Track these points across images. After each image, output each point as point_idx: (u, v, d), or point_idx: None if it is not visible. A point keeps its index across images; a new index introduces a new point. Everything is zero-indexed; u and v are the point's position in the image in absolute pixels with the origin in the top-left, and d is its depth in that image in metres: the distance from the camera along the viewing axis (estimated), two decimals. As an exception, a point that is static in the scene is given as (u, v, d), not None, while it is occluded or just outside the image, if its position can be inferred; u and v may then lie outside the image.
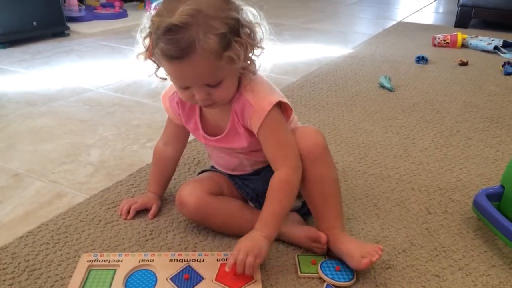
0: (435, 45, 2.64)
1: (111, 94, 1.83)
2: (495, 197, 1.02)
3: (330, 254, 0.93)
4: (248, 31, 0.81)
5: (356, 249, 0.88)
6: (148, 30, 0.80)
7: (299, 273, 0.89)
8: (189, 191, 0.95)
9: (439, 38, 2.64)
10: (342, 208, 0.97)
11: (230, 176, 1.03)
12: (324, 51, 2.57)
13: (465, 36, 2.64)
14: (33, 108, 1.68)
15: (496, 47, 2.49)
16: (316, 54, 2.50)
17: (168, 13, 0.75)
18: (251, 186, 1.01)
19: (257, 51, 0.85)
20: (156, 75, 0.87)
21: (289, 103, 0.91)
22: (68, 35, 2.75)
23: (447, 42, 2.61)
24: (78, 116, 1.63)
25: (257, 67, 0.87)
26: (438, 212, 1.10)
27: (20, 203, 1.11)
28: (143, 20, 0.82)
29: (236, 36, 0.78)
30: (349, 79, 2.05)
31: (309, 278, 0.88)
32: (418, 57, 2.32)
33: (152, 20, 0.79)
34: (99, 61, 2.30)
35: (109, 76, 2.06)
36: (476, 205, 1.02)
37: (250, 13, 0.83)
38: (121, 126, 1.54)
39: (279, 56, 2.45)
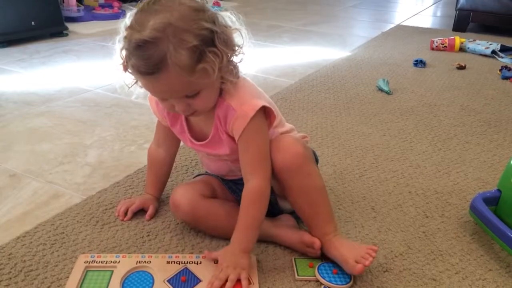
0: (433, 49, 2.65)
1: (109, 95, 1.83)
2: (492, 201, 1.03)
3: (325, 258, 0.93)
4: (225, 39, 0.79)
5: (349, 253, 0.87)
6: (123, 41, 0.79)
7: (296, 276, 0.89)
8: (182, 193, 0.95)
9: (437, 42, 2.65)
10: (332, 212, 0.95)
11: (223, 180, 1.03)
12: (323, 53, 2.57)
13: (463, 40, 2.65)
14: (31, 108, 1.68)
15: (493, 51, 2.50)
16: (315, 56, 2.50)
17: (139, 26, 0.74)
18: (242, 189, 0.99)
19: (237, 57, 0.84)
20: (137, 84, 0.86)
21: (274, 109, 0.90)
22: (66, 35, 2.75)
23: (445, 46, 2.62)
24: (76, 116, 1.62)
25: (239, 72, 0.86)
26: (435, 216, 1.10)
27: (17, 204, 1.10)
28: (120, 29, 0.80)
29: (210, 46, 0.76)
30: (347, 82, 2.05)
31: (306, 281, 0.88)
32: (416, 61, 2.33)
33: (125, 33, 0.77)
34: (97, 62, 2.29)
35: (107, 76, 2.06)
36: (473, 209, 1.02)
37: (228, 19, 0.82)
38: (119, 127, 1.54)
39: (277, 58, 2.46)
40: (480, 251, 0.99)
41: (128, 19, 0.79)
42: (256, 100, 0.86)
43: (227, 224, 0.95)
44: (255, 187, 0.87)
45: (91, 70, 2.16)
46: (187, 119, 0.95)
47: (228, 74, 0.83)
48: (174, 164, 1.12)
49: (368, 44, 2.80)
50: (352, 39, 2.97)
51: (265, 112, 0.88)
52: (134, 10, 0.79)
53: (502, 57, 2.46)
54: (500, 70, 2.22)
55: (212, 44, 0.77)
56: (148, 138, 1.45)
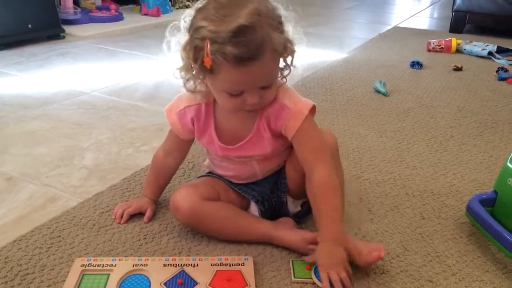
0: (429, 50, 2.66)
1: (106, 97, 1.83)
2: (489, 202, 1.03)
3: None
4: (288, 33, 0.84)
5: (363, 246, 0.90)
6: (191, 41, 0.80)
7: (292, 277, 0.89)
8: (183, 196, 0.95)
9: (433, 43, 2.65)
10: (343, 211, 0.96)
11: (232, 182, 1.02)
12: (320, 55, 2.57)
13: (460, 41, 2.66)
14: (28, 111, 1.67)
15: (490, 53, 2.51)
16: (312, 58, 2.50)
17: (228, 17, 0.75)
18: (257, 189, 1.01)
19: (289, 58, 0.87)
20: (185, 86, 0.88)
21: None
22: (63, 37, 2.75)
23: (442, 47, 2.63)
24: (73, 119, 1.62)
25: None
26: (432, 217, 1.10)
27: (13, 207, 1.10)
28: (176, 36, 0.83)
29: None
30: (344, 84, 2.06)
31: (303, 283, 0.88)
32: (413, 62, 2.33)
33: (203, 29, 0.77)
34: (94, 64, 2.29)
35: (104, 79, 2.06)
36: (470, 210, 1.03)
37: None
38: (116, 130, 1.53)
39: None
40: (477, 252, 0.99)
41: (187, 19, 0.81)
42: (305, 100, 0.90)
43: (230, 227, 0.96)
44: (323, 179, 0.87)
45: (88, 73, 2.16)
46: (216, 128, 0.94)
47: (285, 71, 0.88)
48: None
49: (365, 45, 2.81)
50: (349, 40, 2.98)
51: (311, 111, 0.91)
52: (193, 12, 0.81)
53: (498, 59, 2.47)
54: (497, 71, 2.22)
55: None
56: (145, 140, 1.45)
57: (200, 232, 0.99)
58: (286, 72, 0.89)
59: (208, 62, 0.77)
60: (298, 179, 0.95)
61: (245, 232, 0.95)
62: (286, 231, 0.96)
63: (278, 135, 0.92)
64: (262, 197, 1.01)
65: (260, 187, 1.01)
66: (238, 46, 0.74)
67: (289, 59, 0.87)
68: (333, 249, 0.84)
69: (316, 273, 0.88)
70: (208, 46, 0.76)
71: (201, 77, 0.85)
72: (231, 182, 1.03)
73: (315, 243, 0.91)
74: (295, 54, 0.87)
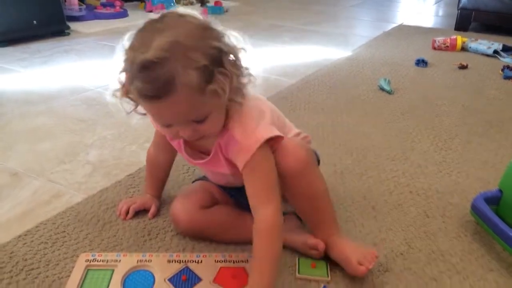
0: (435, 48, 2.64)
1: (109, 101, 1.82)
2: (493, 201, 1.02)
3: (327, 258, 0.92)
4: (233, 59, 0.75)
5: (352, 254, 0.88)
6: (123, 64, 0.73)
7: (297, 274, 0.89)
8: (180, 210, 0.95)
9: (439, 41, 2.64)
10: (335, 213, 0.95)
11: (222, 186, 1.02)
12: (324, 53, 2.57)
13: (465, 39, 2.64)
14: (32, 107, 1.68)
15: (495, 51, 2.50)
16: (316, 56, 2.50)
17: (143, 47, 0.68)
18: (244, 196, 0.92)
19: (244, 79, 0.78)
20: (135, 111, 0.80)
21: (279, 133, 0.83)
22: (68, 34, 2.75)
23: (447, 46, 2.62)
24: (77, 115, 1.62)
25: (246, 94, 0.80)
26: (436, 216, 1.10)
27: (18, 202, 1.11)
28: (119, 52, 0.74)
29: (219, 66, 0.72)
30: (349, 82, 2.05)
31: (306, 280, 0.88)
32: (418, 60, 2.32)
33: (126, 55, 0.71)
34: (99, 61, 2.30)
35: (108, 76, 2.05)
36: (474, 208, 1.02)
37: (233, 37, 0.76)
38: (120, 126, 1.54)
39: (278, 58, 2.46)
40: (481, 251, 0.98)
41: (127, 41, 0.73)
42: (260, 130, 0.81)
43: (232, 231, 0.96)
44: (265, 219, 0.80)
45: (93, 69, 2.16)
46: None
47: (236, 96, 0.77)
48: (174, 163, 1.11)
49: (370, 43, 2.80)
50: (353, 38, 2.97)
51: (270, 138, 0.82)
52: (134, 31, 0.73)
53: (504, 57, 2.45)
54: (502, 70, 2.21)
55: (221, 64, 0.72)
56: (149, 137, 1.43)
57: (204, 239, 0.98)
58: (238, 97, 0.78)
59: (125, 92, 0.75)
60: (283, 184, 0.87)
61: (246, 233, 0.91)
62: (287, 232, 0.94)
63: (233, 163, 0.85)
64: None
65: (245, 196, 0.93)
66: (143, 82, 0.68)
67: (225, 85, 0.74)
68: None
69: None
70: (125, 75, 0.73)
71: (133, 103, 0.79)
72: (222, 187, 1.01)
73: (316, 248, 0.91)
74: (250, 78, 0.79)
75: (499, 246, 0.99)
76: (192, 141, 0.83)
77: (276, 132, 0.83)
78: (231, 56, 0.74)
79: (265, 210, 0.81)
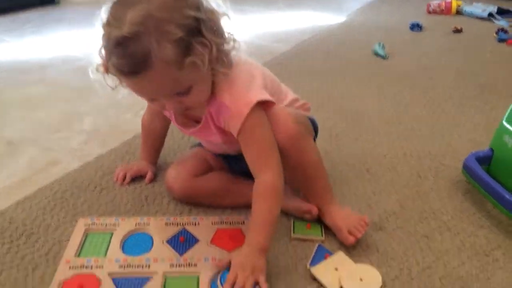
0: (429, 12, 2.62)
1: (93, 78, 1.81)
2: (485, 160, 1.04)
3: (321, 222, 0.94)
4: (213, 27, 0.72)
5: (343, 223, 0.89)
6: (102, 39, 0.71)
7: (292, 234, 0.91)
8: (174, 177, 0.96)
9: (433, 5, 2.62)
10: (329, 182, 0.95)
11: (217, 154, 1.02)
12: (318, 18, 2.54)
13: (460, 2, 2.62)
14: (25, 76, 1.67)
15: (490, 14, 2.48)
16: (310, 22, 2.47)
17: (117, 22, 0.67)
18: (239, 164, 0.95)
19: (229, 44, 0.76)
20: (121, 85, 0.77)
21: (270, 98, 0.82)
22: (58, 3, 2.70)
23: (442, 9, 2.60)
24: (71, 84, 1.61)
25: (231, 61, 0.78)
26: (428, 177, 1.12)
27: (15, 170, 1.11)
28: (97, 26, 0.71)
29: (197, 37, 0.69)
30: (343, 47, 2.04)
31: (300, 239, 0.90)
32: (413, 24, 2.30)
33: (103, 30, 0.69)
34: (90, 30, 2.25)
35: (100, 45, 2.03)
36: (466, 168, 1.04)
37: (214, 3, 0.74)
38: (114, 94, 1.52)
39: (272, 24, 2.43)
40: (472, 209, 1.00)
41: (104, 14, 0.70)
42: (249, 94, 0.79)
43: (226, 196, 0.97)
44: (266, 182, 0.80)
45: (84, 38, 2.13)
46: None
47: (219, 66, 0.75)
48: (170, 130, 1.11)
49: (364, 8, 2.77)
50: (348, 4, 2.93)
51: (263, 103, 0.81)
52: (109, 3, 0.70)
53: (498, 20, 2.44)
54: (497, 32, 2.20)
55: (199, 34, 0.69)
56: (144, 105, 1.42)
57: (200, 204, 0.99)
58: (220, 67, 0.76)
59: (106, 68, 0.73)
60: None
61: (241, 198, 0.94)
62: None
63: (225, 130, 0.85)
64: (245, 173, 0.92)
65: (239, 164, 0.93)
66: (118, 59, 0.67)
67: (223, 49, 0.74)
68: (254, 255, 0.77)
69: (224, 275, 0.79)
70: (103, 51, 0.71)
71: (116, 78, 0.76)
72: (216, 154, 1.02)
73: (310, 213, 0.93)
74: (235, 43, 0.77)
75: (490, 204, 1.01)
76: (180, 113, 0.83)
77: (267, 97, 0.82)
78: (211, 25, 0.71)
79: (264, 176, 0.80)
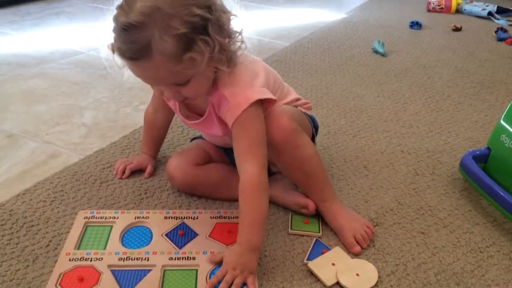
0: (429, 10, 2.63)
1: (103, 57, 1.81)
2: (482, 158, 1.05)
3: (320, 217, 0.95)
4: (221, 27, 0.74)
5: (348, 224, 0.89)
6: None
7: (289, 230, 0.92)
8: (175, 166, 0.97)
9: (433, 3, 2.62)
10: (327, 178, 0.96)
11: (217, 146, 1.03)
12: (318, 15, 2.54)
13: (460, 1, 2.62)
14: (25, 70, 1.67)
15: (490, 13, 2.48)
16: (310, 18, 2.47)
17: (127, 7, 0.69)
18: None
19: (233, 46, 0.78)
20: (127, 67, 0.79)
21: (271, 96, 0.83)
22: (57, -4, 2.69)
23: (442, 7, 2.60)
24: (71, 78, 1.62)
25: (236, 60, 0.80)
26: (425, 174, 1.13)
27: (16, 163, 1.12)
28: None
29: (201, 34, 0.71)
30: (342, 44, 2.04)
31: (298, 235, 0.91)
32: (412, 22, 2.31)
33: (116, 12, 0.72)
34: (90, 23, 2.26)
35: (100, 38, 2.03)
36: (463, 166, 1.05)
37: (227, 3, 0.76)
38: (114, 89, 1.54)
39: (272, 20, 2.43)
40: (468, 206, 1.02)
41: None
42: (250, 91, 0.81)
43: (225, 188, 0.97)
44: (251, 178, 0.80)
45: (84, 32, 2.13)
46: None
47: (220, 64, 0.77)
48: (171, 125, 1.12)
49: (364, 6, 2.77)
50: (348, 0, 2.93)
51: (263, 101, 0.83)
52: None
53: (498, 19, 2.44)
54: (496, 32, 2.21)
55: (204, 32, 0.71)
56: (143, 99, 1.46)
57: (199, 195, 1.01)
58: (223, 65, 0.78)
59: (113, 49, 0.75)
60: (269, 152, 0.86)
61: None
62: (279, 192, 0.97)
63: (225, 122, 0.85)
64: None
65: None
66: (122, 43, 0.71)
67: (229, 47, 0.76)
68: (246, 255, 0.78)
69: (215, 270, 0.80)
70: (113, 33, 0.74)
71: None
72: (217, 146, 1.03)
73: (306, 208, 0.93)
74: (242, 43, 0.79)
75: (486, 201, 1.02)
76: (179, 101, 0.84)
77: (267, 95, 0.83)
78: (218, 24, 0.73)
79: (250, 168, 0.80)
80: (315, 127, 1.03)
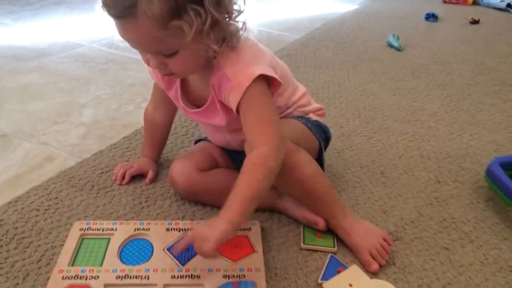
0: (445, 2, 2.55)
1: (105, 50, 1.74)
2: (510, 166, 0.98)
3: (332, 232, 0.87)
4: (218, 0, 0.68)
5: (362, 241, 0.82)
6: None
7: (302, 244, 0.85)
8: (179, 171, 0.91)
9: (449, -6, 2.52)
10: (334, 193, 0.87)
11: (223, 148, 0.97)
12: (329, 6, 2.47)
13: (477, -8, 2.53)
14: (22, 63, 1.60)
15: (508, 4, 2.40)
16: (321, 9, 2.40)
17: None
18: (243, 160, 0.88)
19: (232, 25, 0.73)
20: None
21: (275, 75, 0.77)
22: (59, -15, 2.62)
23: (458, -1, 2.51)
24: (70, 73, 1.55)
25: (232, 40, 0.74)
26: (448, 181, 1.05)
27: (8, 166, 1.05)
28: None
29: (194, 3, 0.66)
30: (355, 37, 1.96)
31: (311, 250, 0.84)
32: (428, 14, 2.22)
33: None
34: (92, 14, 2.18)
35: (102, 30, 1.96)
36: (490, 174, 0.97)
37: None
38: (115, 85, 1.46)
39: (281, 11, 2.35)
40: (495, 218, 0.94)
41: None
42: (254, 67, 0.75)
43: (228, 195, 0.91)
44: (259, 153, 0.73)
45: (85, 23, 2.06)
46: (182, 84, 0.86)
47: (212, 41, 0.71)
48: (173, 125, 1.06)
49: (377, -4, 2.68)
50: (359, -9, 2.83)
51: (268, 79, 0.77)
52: None
53: (517, 11, 2.35)
54: (516, 24, 2.12)
55: (198, 2, 0.66)
56: (146, 96, 1.38)
57: (202, 203, 0.94)
58: (211, 42, 0.71)
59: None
60: None
61: None
62: (289, 204, 0.90)
63: (229, 108, 0.80)
64: None
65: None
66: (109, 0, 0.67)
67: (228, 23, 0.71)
68: (214, 223, 0.71)
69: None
70: None
71: None
72: (223, 149, 0.97)
73: (316, 225, 0.86)
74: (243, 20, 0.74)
75: (514, 214, 0.94)
76: (164, 75, 0.80)
77: (271, 73, 0.76)
78: None
79: (260, 147, 0.73)
80: (327, 138, 0.95)
